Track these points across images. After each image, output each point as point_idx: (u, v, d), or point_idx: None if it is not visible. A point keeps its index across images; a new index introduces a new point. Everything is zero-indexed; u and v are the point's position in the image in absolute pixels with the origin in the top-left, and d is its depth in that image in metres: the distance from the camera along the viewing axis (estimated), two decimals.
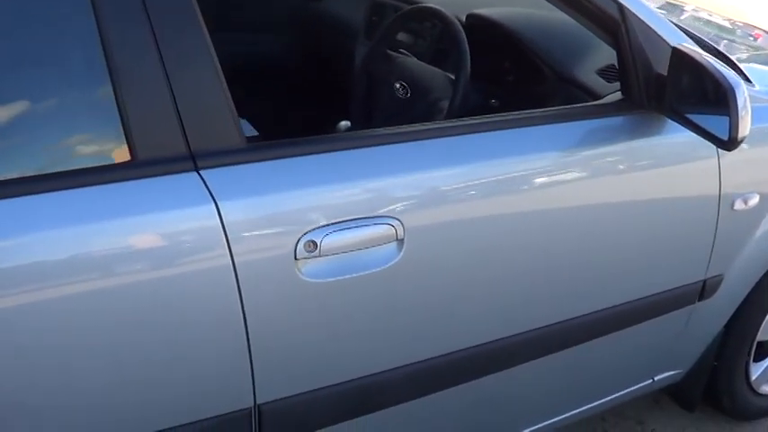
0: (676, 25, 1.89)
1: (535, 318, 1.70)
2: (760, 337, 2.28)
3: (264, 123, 2.62)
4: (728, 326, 2.18)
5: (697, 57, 1.60)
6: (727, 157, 1.85)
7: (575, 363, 1.89)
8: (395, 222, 1.44)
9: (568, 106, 1.78)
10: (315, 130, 1.60)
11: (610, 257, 1.79)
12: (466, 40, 1.97)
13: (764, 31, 2.77)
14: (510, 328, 1.67)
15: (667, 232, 1.85)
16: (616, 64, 1.78)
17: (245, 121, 2.65)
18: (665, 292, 1.92)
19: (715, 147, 1.82)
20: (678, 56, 1.64)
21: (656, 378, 2.15)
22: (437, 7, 2.15)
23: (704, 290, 1.98)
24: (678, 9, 2.85)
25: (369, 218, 1.43)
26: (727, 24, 2.86)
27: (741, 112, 1.55)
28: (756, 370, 2.36)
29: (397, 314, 1.52)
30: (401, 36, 2.35)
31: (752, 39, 2.91)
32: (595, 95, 1.89)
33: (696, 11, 2.84)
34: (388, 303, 1.50)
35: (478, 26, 2.23)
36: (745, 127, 1.56)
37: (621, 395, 2.11)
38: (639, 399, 2.33)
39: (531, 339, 1.73)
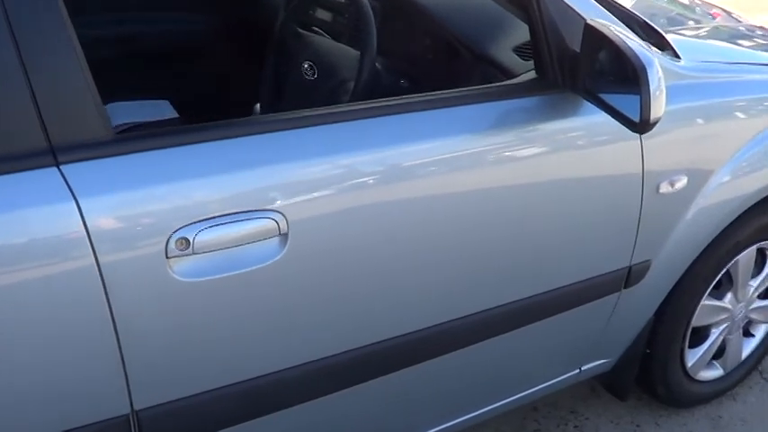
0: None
1: (443, 310, 1.66)
2: (695, 322, 2.25)
3: (188, 105, 2.55)
4: (660, 313, 2.14)
5: (608, 33, 1.54)
6: (652, 138, 1.81)
7: (492, 355, 1.86)
8: (276, 216, 1.39)
9: (478, 87, 1.72)
10: (235, 113, 1.54)
11: (525, 246, 1.75)
12: (372, 15, 1.90)
13: (722, 9, 2.73)
14: (414, 323, 1.63)
15: (587, 219, 1.81)
16: None
17: (167, 103, 2.59)
18: (587, 280, 1.88)
19: None
20: (590, 32, 1.59)
21: (583, 368, 2.13)
22: None
23: (630, 277, 1.95)
24: None
25: (247, 212, 1.37)
26: (686, 2, 2.82)
27: (654, 93, 1.49)
28: (693, 356, 2.34)
29: (283, 313, 1.47)
30: (319, 14, 2.28)
31: (710, 18, 2.87)
32: (510, 74, 1.83)
33: None
34: (272, 302, 1.45)
35: (394, 3, 2.16)
36: (657, 108, 1.51)
37: (547, 386, 2.09)
38: (574, 387, 2.31)
39: (441, 333, 1.69)
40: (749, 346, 2.52)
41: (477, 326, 1.74)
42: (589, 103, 1.70)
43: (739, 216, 2.12)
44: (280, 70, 2.26)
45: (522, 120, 1.67)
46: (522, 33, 1.87)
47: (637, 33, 2.03)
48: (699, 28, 2.66)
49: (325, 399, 1.59)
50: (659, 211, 1.91)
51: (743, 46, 2.54)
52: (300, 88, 2.13)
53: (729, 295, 2.30)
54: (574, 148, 1.73)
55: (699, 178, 1.96)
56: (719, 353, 2.45)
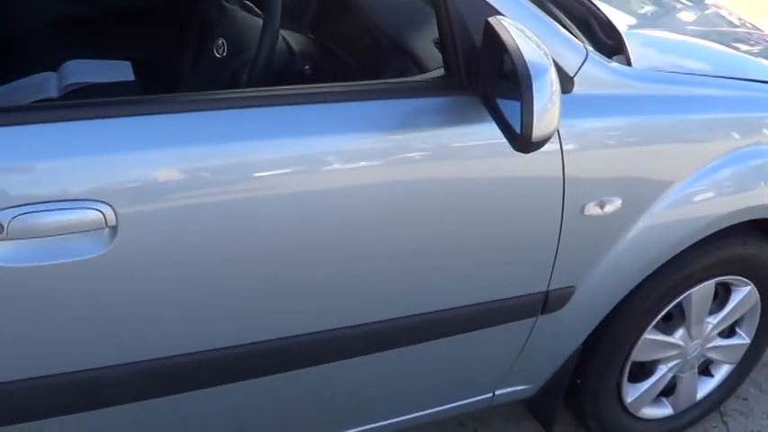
0: None
1: (302, 320, 1.60)
2: (637, 357, 2.14)
3: (148, 68, 2.52)
4: (591, 343, 2.03)
5: (502, 32, 1.42)
6: (575, 153, 1.70)
7: (382, 370, 1.79)
8: (104, 208, 1.33)
9: (374, 81, 1.63)
10: None
11: (417, 258, 1.66)
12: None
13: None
14: (262, 331, 1.57)
15: (493, 236, 1.71)
16: None
17: (128, 65, 2.56)
18: (494, 301, 1.79)
19: (559, 144, 1.68)
20: (488, 31, 1.47)
21: (496, 392, 2.04)
22: None
23: (547, 302, 1.85)
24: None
25: (71, 200, 1.32)
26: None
27: (541, 106, 1.37)
28: (634, 392, 2.23)
29: (108, 308, 1.42)
30: None
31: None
32: (425, 69, 1.73)
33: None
34: (96, 296, 1.40)
35: None
36: (545, 124, 1.39)
37: (455, 407, 2.01)
38: (506, 407, 2.23)
39: (307, 343, 1.63)
40: (706, 387, 2.40)
41: (352, 339, 1.66)
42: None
43: (692, 247, 1.98)
44: (199, 44, 2.20)
45: (420, 122, 1.58)
46: None
47: (593, 33, 1.92)
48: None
49: (156, 402, 1.54)
50: (584, 234, 1.80)
51: None
52: (210, 66, 2.07)
53: (681, 331, 2.17)
54: (477, 157, 1.63)
55: (637, 202, 1.84)
56: (671, 390, 2.32)
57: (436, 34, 1.79)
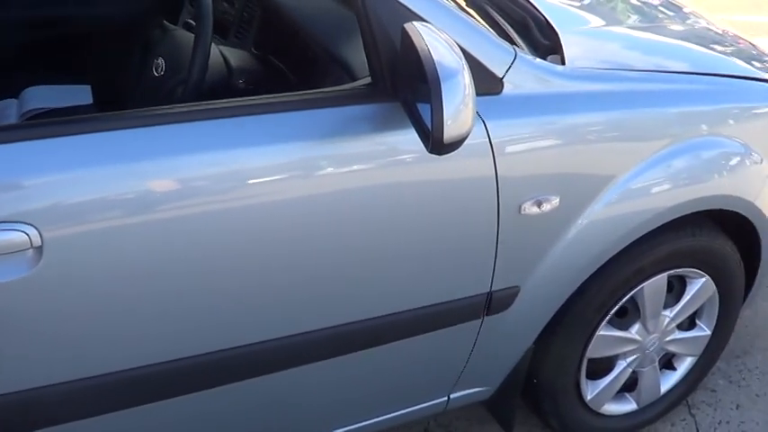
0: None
1: (242, 331, 1.64)
2: (593, 353, 2.18)
3: (106, 90, 2.59)
4: (543, 341, 2.08)
5: (416, 37, 1.47)
6: (506, 154, 1.75)
7: (329, 377, 1.84)
8: (28, 229, 1.38)
9: (301, 93, 1.67)
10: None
11: (354, 265, 1.71)
12: (209, 6, 1.87)
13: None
14: (198, 345, 1.62)
15: (430, 239, 1.76)
16: None
17: (87, 88, 2.62)
18: (436, 305, 1.83)
19: (490, 144, 1.73)
20: (405, 37, 1.51)
21: (452, 396, 2.08)
22: None
23: (491, 303, 1.89)
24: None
25: None
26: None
27: (453, 108, 1.41)
28: (593, 388, 2.27)
29: (33, 332, 1.46)
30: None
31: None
32: (356, 78, 1.79)
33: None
34: (21, 319, 1.43)
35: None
36: (458, 126, 1.43)
37: (411, 411, 2.06)
38: (470, 410, 2.28)
39: (241, 355, 1.67)
40: (670, 380, 2.44)
41: (294, 348, 1.71)
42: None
43: (640, 241, 2.03)
44: (141, 65, 2.26)
45: (348, 130, 1.62)
46: None
47: (531, 34, 1.97)
48: None
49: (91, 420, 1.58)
50: (523, 233, 1.85)
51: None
52: (150, 85, 2.12)
53: (637, 325, 2.21)
54: (408, 162, 1.67)
55: (576, 199, 1.89)
56: (633, 385, 2.36)
57: None
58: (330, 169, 1.60)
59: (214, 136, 1.51)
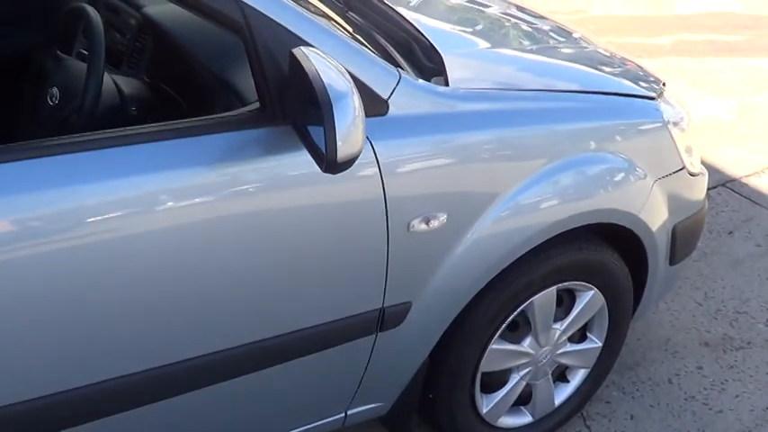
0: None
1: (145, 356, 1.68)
2: (486, 367, 2.27)
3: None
4: (437, 356, 2.16)
5: (304, 61, 1.55)
6: (393, 172, 1.83)
7: (219, 398, 1.88)
8: None
9: (190, 120, 1.73)
10: None
11: (244, 290, 1.76)
12: (101, 32, 1.93)
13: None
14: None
15: (322, 258, 1.82)
16: None
17: None
18: (330, 322, 1.90)
19: (377, 164, 1.80)
20: (293, 61, 1.59)
21: (349, 412, 2.15)
22: (82, 5, 2.12)
23: (384, 319, 1.97)
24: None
25: None
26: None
27: (341, 128, 1.49)
28: (488, 402, 2.37)
29: None
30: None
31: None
32: (246, 102, 1.85)
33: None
34: None
35: (148, 26, 2.21)
36: (349, 146, 1.51)
37: (306, 429, 2.11)
38: (369, 426, 2.34)
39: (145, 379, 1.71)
40: (564, 392, 2.55)
41: (189, 372, 1.76)
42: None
43: (528, 256, 2.13)
44: (35, 94, 2.30)
45: (237, 156, 1.68)
46: None
47: (415, 56, 2.07)
48: None
49: None
50: (413, 250, 1.93)
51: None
52: (44, 114, 2.16)
53: (529, 339, 2.32)
54: (297, 185, 1.74)
55: (464, 216, 1.98)
56: (528, 398, 2.46)
57: None
58: (220, 194, 1.66)
59: (101, 165, 1.55)
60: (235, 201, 1.67)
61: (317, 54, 1.58)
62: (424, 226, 1.90)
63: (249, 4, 1.65)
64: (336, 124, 1.50)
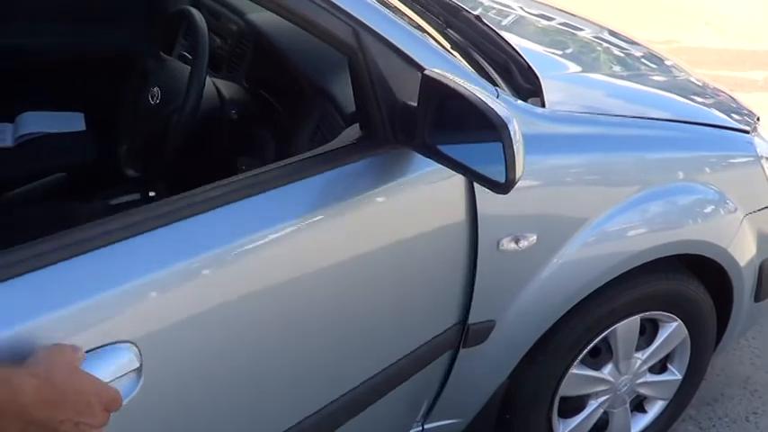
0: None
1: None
2: (565, 391, 2.28)
3: (98, 117, 2.70)
4: (517, 377, 2.18)
5: (456, 85, 1.54)
6: (489, 192, 1.84)
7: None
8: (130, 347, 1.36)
9: (301, 158, 1.69)
10: None
11: (358, 329, 1.80)
12: (205, 38, 2.00)
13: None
14: None
15: (420, 279, 1.85)
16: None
17: (80, 116, 2.74)
18: (421, 346, 1.93)
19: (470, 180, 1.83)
20: (430, 83, 1.58)
21: (426, 426, 2.17)
22: (188, 8, 2.19)
23: (467, 336, 1.99)
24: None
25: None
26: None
27: (517, 151, 1.49)
28: (564, 427, 2.38)
29: None
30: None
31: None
32: (344, 112, 1.90)
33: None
34: None
35: (250, 32, 2.28)
36: (521, 165, 1.52)
37: None
38: None
39: None
40: (641, 423, 2.54)
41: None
42: (418, 157, 1.71)
43: (614, 282, 2.14)
44: (137, 93, 2.38)
45: (353, 188, 1.67)
46: None
47: (512, 77, 2.10)
48: None
49: None
50: (501, 268, 1.95)
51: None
52: (145, 112, 2.24)
53: (609, 366, 2.32)
54: (403, 206, 1.75)
55: (553, 238, 2.00)
56: (604, 426, 2.46)
57: None
58: (351, 225, 1.68)
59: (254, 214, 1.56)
60: (363, 230, 1.70)
61: (452, 77, 1.58)
62: (513, 245, 1.92)
63: (365, 27, 1.65)
64: (514, 146, 1.49)
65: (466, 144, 1.61)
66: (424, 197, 1.76)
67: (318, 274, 1.63)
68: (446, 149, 1.60)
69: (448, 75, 1.58)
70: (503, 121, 1.48)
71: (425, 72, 1.60)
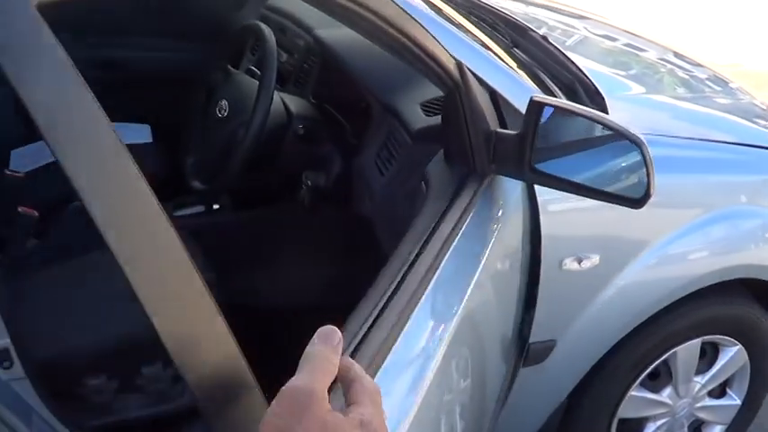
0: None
1: None
2: (624, 413, 2.29)
3: (165, 130, 2.77)
4: (576, 396, 2.19)
5: (577, 108, 1.60)
6: (554, 212, 1.88)
7: None
8: None
9: (434, 224, 1.60)
10: None
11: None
12: (274, 54, 2.06)
13: None
14: None
15: (494, 298, 1.86)
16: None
17: (147, 128, 2.81)
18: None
19: (535, 201, 1.86)
20: (538, 108, 1.59)
21: None
22: (257, 23, 2.25)
23: (528, 354, 2.02)
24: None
25: None
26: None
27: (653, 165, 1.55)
28: None
29: None
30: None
31: None
32: (410, 128, 1.94)
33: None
34: None
35: (318, 48, 2.33)
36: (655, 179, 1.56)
37: None
38: None
39: None
40: None
41: None
42: (496, 181, 1.75)
43: (676, 305, 2.15)
44: (205, 106, 2.44)
45: (487, 234, 1.72)
46: (430, 89, 1.98)
47: (579, 97, 2.13)
48: None
49: None
50: (563, 287, 1.97)
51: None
52: (213, 125, 2.30)
53: (669, 389, 2.33)
54: (487, 230, 1.76)
55: (615, 260, 2.02)
56: None
57: (421, 96, 2.02)
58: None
59: None
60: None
61: (562, 100, 1.63)
62: (576, 265, 1.95)
63: (469, 68, 1.69)
64: (653, 164, 1.55)
65: (581, 165, 1.64)
66: (495, 219, 1.79)
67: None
68: (559, 173, 1.62)
69: (556, 99, 1.61)
70: (640, 138, 1.54)
71: (534, 97, 1.62)
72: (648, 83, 2.65)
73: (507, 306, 1.91)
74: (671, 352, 2.26)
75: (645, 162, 1.54)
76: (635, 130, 1.55)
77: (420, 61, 1.56)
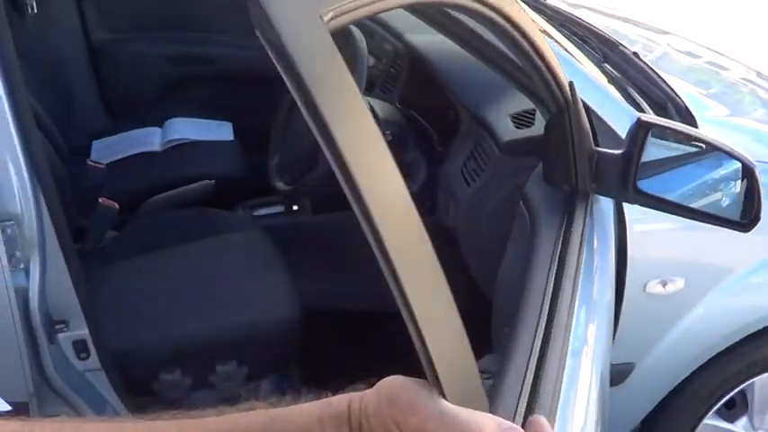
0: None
1: None
2: None
3: (247, 128, 2.80)
4: (650, 422, 2.17)
5: (689, 130, 1.63)
6: (639, 234, 1.87)
7: None
8: None
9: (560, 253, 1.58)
10: None
11: None
12: (366, 60, 2.06)
13: None
14: None
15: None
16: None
17: (228, 125, 2.85)
18: None
19: (625, 223, 1.84)
20: (646, 128, 1.58)
21: None
22: (347, 26, 2.25)
23: None
24: None
25: None
26: None
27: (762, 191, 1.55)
28: None
29: None
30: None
31: None
32: (498, 139, 1.94)
33: None
34: None
35: (407, 53, 2.33)
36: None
37: None
38: None
39: None
40: None
41: None
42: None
43: (755, 335, 2.12)
44: (292, 105, 2.45)
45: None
46: (521, 101, 1.97)
47: (670, 116, 2.11)
48: None
49: None
50: (645, 311, 1.96)
51: None
52: (297, 128, 2.31)
53: (744, 419, 2.30)
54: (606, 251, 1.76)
55: (699, 285, 2.00)
56: None
57: (511, 107, 2.01)
58: None
59: None
60: None
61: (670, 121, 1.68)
62: (660, 288, 1.93)
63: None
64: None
65: (683, 186, 1.64)
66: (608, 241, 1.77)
67: None
68: (663, 194, 1.61)
69: (665, 119, 1.60)
70: (753, 162, 1.55)
71: (641, 117, 1.61)
72: (729, 102, 2.61)
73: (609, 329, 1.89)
74: (748, 382, 2.22)
75: (755, 186, 1.54)
76: (746, 153, 1.54)
77: (539, 75, 1.51)
